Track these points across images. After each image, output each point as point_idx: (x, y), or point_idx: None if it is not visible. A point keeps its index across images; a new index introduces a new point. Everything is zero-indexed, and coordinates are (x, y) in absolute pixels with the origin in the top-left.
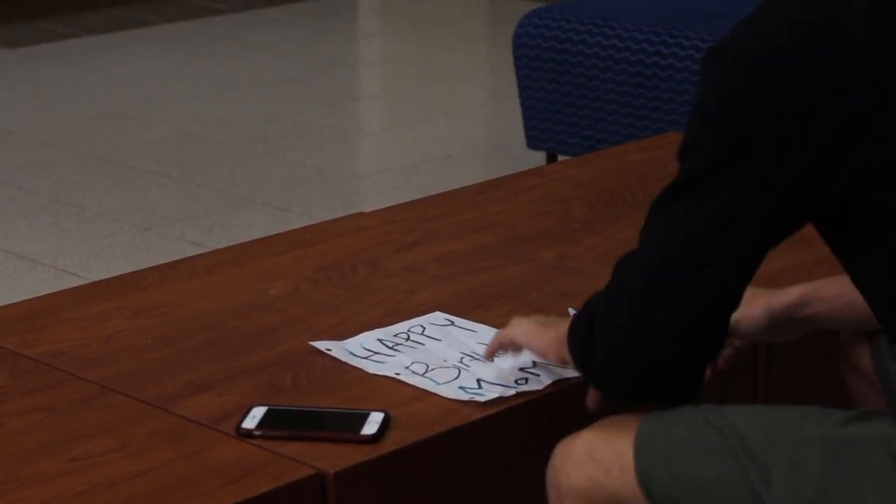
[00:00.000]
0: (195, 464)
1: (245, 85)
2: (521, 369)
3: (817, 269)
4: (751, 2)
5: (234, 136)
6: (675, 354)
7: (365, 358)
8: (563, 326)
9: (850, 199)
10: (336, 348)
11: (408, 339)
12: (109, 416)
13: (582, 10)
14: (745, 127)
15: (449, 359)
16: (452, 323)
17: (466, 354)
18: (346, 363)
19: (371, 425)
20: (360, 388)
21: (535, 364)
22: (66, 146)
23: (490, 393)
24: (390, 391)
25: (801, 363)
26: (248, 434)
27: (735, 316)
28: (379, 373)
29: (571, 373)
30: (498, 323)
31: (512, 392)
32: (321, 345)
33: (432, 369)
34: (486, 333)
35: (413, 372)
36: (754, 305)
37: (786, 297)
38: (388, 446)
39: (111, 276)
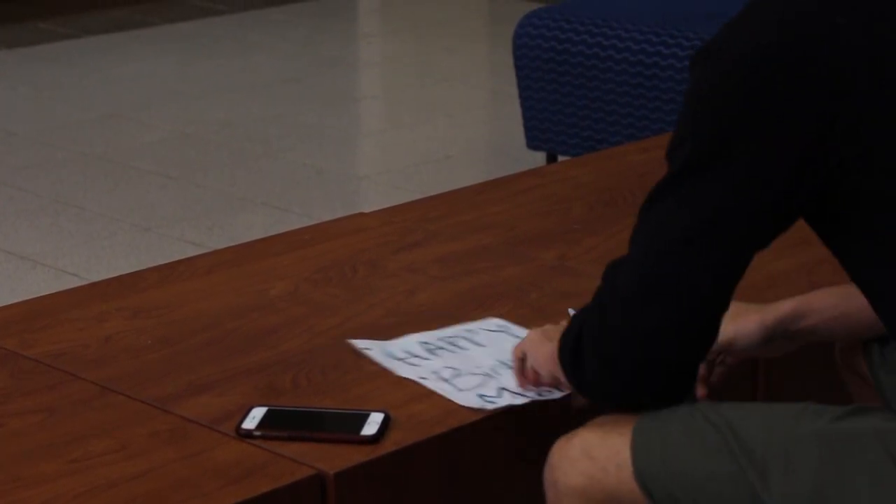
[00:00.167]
0: (195, 464)
1: (245, 85)
2: None
3: (817, 270)
4: None
5: (234, 137)
6: (666, 355)
7: (400, 360)
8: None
9: (835, 193)
10: (376, 349)
11: (453, 343)
12: (109, 417)
13: (582, 10)
14: (730, 126)
15: (482, 365)
16: (506, 331)
17: (502, 362)
18: (370, 363)
19: (371, 426)
20: (361, 389)
21: None
22: (66, 147)
23: (503, 401)
24: (390, 392)
25: (801, 364)
26: (248, 434)
27: (728, 333)
28: (406, 375)
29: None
30: None
31: (528, 400)
32: (361, 344)
33: (460, 375)
34: None
35: (440, 377)
36: (747, 321)
37: (779, 310)
38: (388, 447)
39: (111, 276)
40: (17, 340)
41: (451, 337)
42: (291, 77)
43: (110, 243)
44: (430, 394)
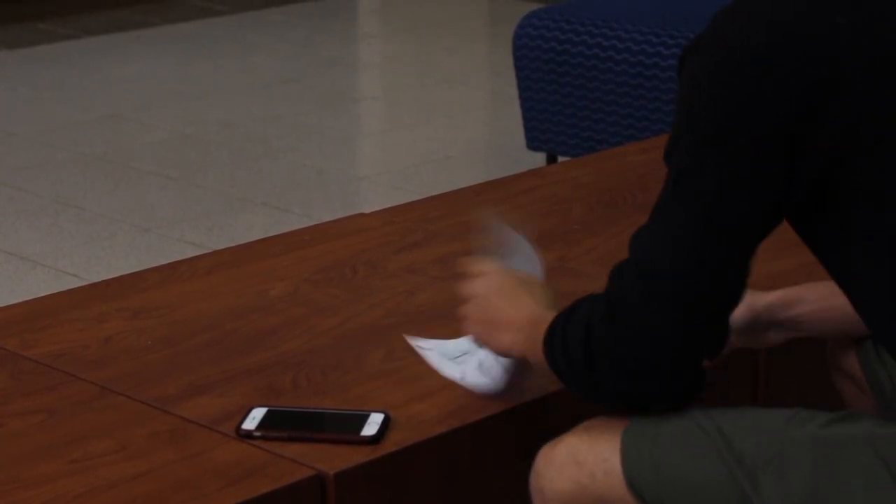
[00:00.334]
0: (195, 465)
1: (245, 86)
2: None
3: (817, 270)
4: None
5: (233, 138)
6: (679, 355)
7: (453, 359)
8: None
9: (827, 192)
10: (434, 350)
11: None
12: (109, 418)
13: (582, 11)
14: (721, 121)
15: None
16: None
17: None
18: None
19: (371, 426)
20: (360, 390)
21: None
22: (66, 147)
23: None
24: (390, 392)
25: (801, 366)
26: (248, 435)
27: None
28: (450, 375)
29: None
30: None
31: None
32: (419, 343)
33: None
34: None
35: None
36: None
37: (768, 296)
38: (388, 447)
39: (111, 277)
40: (18, 341)
41: None
42: (291, 77)
43: (110, 244)
44: (431, 394)
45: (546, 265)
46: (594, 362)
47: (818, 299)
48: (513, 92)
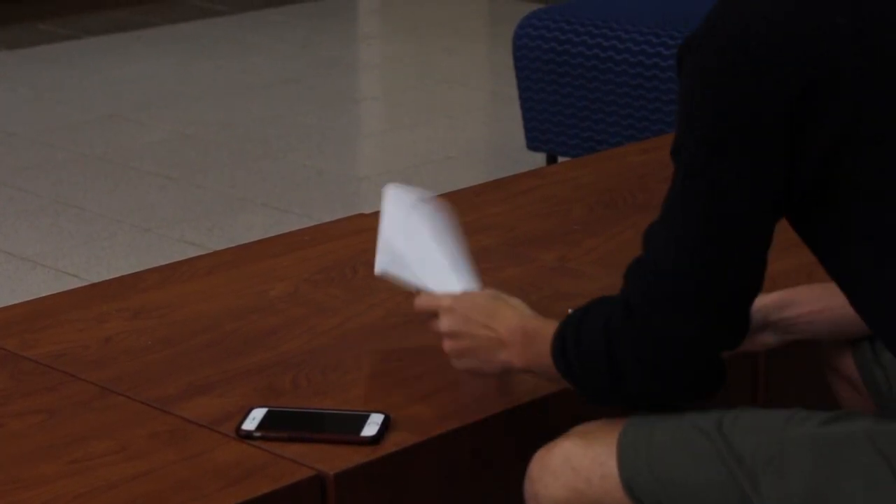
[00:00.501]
0: (195, 465)
1: (245, 86)
2: None
3: (817, 270)
4: None
5: (233, 138)
6: (701, 351)
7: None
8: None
9: (823, 184)
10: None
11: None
12: (109, 418)
13: (582, 11)
14: (722, 118)
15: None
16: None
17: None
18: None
19: (371, 427)
20: (360, 390)
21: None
22: (66, 147)
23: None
24: (390, 393)
25: (800, 368)
26: (248, 435)
27: None
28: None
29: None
30: None
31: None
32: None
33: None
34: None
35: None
36: None
37: (762, 298)
38: (388, 448)
39: (111, 277)
40: (18, 341)
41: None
42: (291, 78)
43: (110, 244)
44: (431, 394)
45: (545, 266)
46: (618, 366)
47: (812, 301)
48: (513, 92)
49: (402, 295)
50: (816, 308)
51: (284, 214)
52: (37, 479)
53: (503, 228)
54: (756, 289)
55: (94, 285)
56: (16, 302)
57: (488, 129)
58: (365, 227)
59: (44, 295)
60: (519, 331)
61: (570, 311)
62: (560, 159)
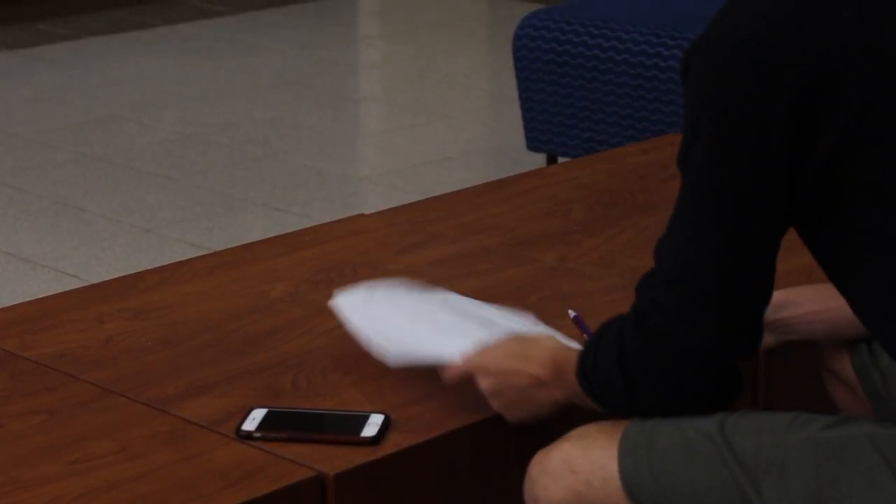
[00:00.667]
0: (195, 466)
1: (245, 87)
2: None
3: (817, 272)
4: None
5: (233, 139)
6: (714, 360)
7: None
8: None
9: (826, 185)
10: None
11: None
12: (109, 419)
13: (582, 12)
14: (725, 123)
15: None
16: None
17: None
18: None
19: (371, 427)
20: (360, 391)
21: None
22: (66, 148)
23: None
24: (390, 393)
25: (800, 370)
26: (248, 436)
27: None
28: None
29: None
30: None
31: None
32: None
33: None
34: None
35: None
36: None
37: None
38: (388, 448)
39: (111, 277)
40: (18, 342)
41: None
42: (291, 79)
43: (110, 245)
44: (431, 395)
45: (545, 267)
46: (631, 377)
47: (810, 302)
48: (513, 93)
49: None
50: (815, 309)
51: (284, 215)
52: (37, 480)
53: (503, 229)
54: (766, 295)
55: (94, 286)
56: (16, 302)
57: (488, 130)
58: (365, 228)
59: (44, 295)
60: (551, 366)
61: (570, 312)
62: (560, 160)
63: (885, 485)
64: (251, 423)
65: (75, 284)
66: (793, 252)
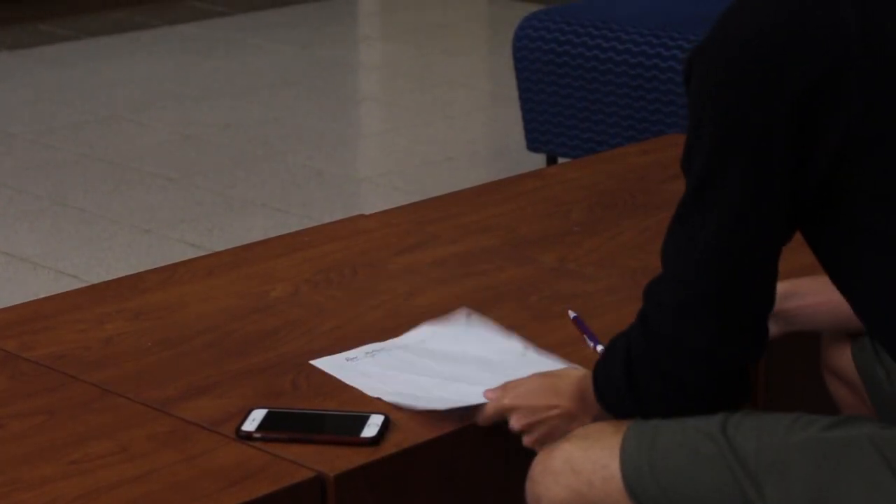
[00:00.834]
0: (195, 466)
1: (245, 88)
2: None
3: (818, 272)
4: None
5: (233, 139)
6: (718, 362)
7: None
8: (570, 382)
9: (828, 185)
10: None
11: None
12: (109, 419)
13: (582, 12)
14: (728, 125)
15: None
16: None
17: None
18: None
19: (371, 428)
20: (360, 391)
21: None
22: (66, 148)
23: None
24: None
25: (801, 369)
26: (248, 436)
27: None
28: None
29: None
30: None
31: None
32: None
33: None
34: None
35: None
36: None
37: None
38: (388, 449)
39: (111, 278)
40: (18, 342)
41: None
42: (291, 79)
43: (110, 245)
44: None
45: (545, 267)
46: (636, 378)
47: (814, 293)
48: (513, 93)
49: (401, 296)
50: (819, 300)
51: (284, 215)
52: (37, 480)
53: (503, 229)
54: (768, 297)
55: (94, 286)
56: (16, 303)
57: (488, 131)
58: (365, 229)
59: (44, 296)
60: (578, 395)
61: (570, 312)
62: (560, 160)
63: (886, 485)
64: (251, 424)
65: (75, 285)
66: (795, 251)
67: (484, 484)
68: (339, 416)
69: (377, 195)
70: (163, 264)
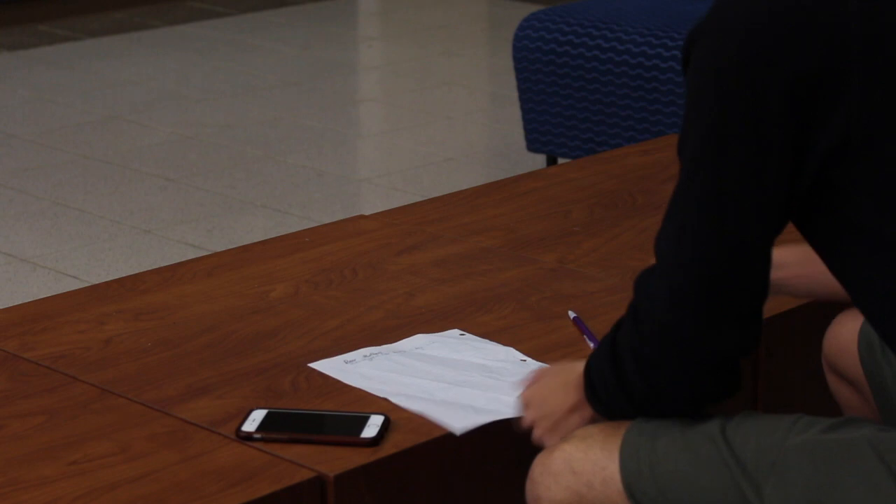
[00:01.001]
0: (195, 467)
1: (245, 88)
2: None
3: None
4: None
5: (233, 140)
6: (705, 352)
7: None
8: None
9: (827, 179)
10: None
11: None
12: (109, 420)
13: (582, 12)
14: (725, 113)
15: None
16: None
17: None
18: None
19: (371, 428)
20: (360, 392)
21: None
22: (66, 149)
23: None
24: None
25: (801, 368)
26: (248, 437)
27: None
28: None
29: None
30: (498, 326)
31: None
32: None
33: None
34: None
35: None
36: None
37: None
38: (388, 449)
39: (111, 278)
40: (18, 343)
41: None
42: (291, 80)
43: (110, 246)
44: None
45: (545, 268)
46: (624, 371)
47: (794, 265)
48: (513, 94)
49: (402, 297)
50: (799, 273)
51: (284, 216)
52: (37, 481)
53: (503, 230)
54: (764, 286)
55: (94, 287)
56: (16, 303)
57: (488, 131)
58: (365, 229)
59: (44, 296)
60: (580, 387)
61: (570, 312)
62: (560, 161)
63: (885, 488)
64: (251, 424)
65: (75, 285)
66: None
67: (484, 484)
68: (339, 417)
69: (377, 196)
70: (163, 264)
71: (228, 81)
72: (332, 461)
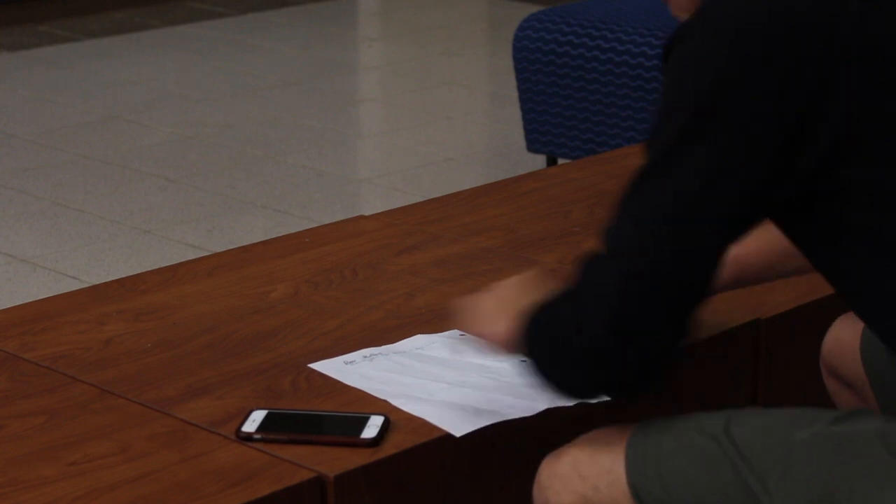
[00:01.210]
0: (195, 467)
1: (245, 89)
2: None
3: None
4: None
5: (233, 140)
6: (647, 346)
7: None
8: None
9: (814, 181)
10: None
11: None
12: (109, 420)
13: (582, 13)
14: (714, 94)
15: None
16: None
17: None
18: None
19: (371, 429)
20: (360, 392)
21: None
22: (66, 149)
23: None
24: None
25: (801, 368)
26: (248, 437)
27: None
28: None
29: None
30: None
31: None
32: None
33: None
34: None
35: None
36: None
37: None
38: (388, 450)
39: (111, 279)
40: (18, 343)
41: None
42: (291, 80)
43: (110, 246)
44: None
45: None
46: (559, 355)
47: (754, 239)
48: (513, 94)
49: (402, 297)
50: (760, 247)
51: (284, 216)
52: (36, 481)
53: (503, 230)
54: (704, 291)
55: (94, 287)
56: (16, 304)
57: (488, 132)
58: (365, 229)
59: (44, 297)
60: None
61: None
62: (560, 161)
63: (893, 480)
64: (251, 425)
65: (75, 286)
66: None
67: (483, 485)
68: (338, 417)
69: (377, 196)
70: (163, 265)
71: (228, 81)
72: (332, 461)
